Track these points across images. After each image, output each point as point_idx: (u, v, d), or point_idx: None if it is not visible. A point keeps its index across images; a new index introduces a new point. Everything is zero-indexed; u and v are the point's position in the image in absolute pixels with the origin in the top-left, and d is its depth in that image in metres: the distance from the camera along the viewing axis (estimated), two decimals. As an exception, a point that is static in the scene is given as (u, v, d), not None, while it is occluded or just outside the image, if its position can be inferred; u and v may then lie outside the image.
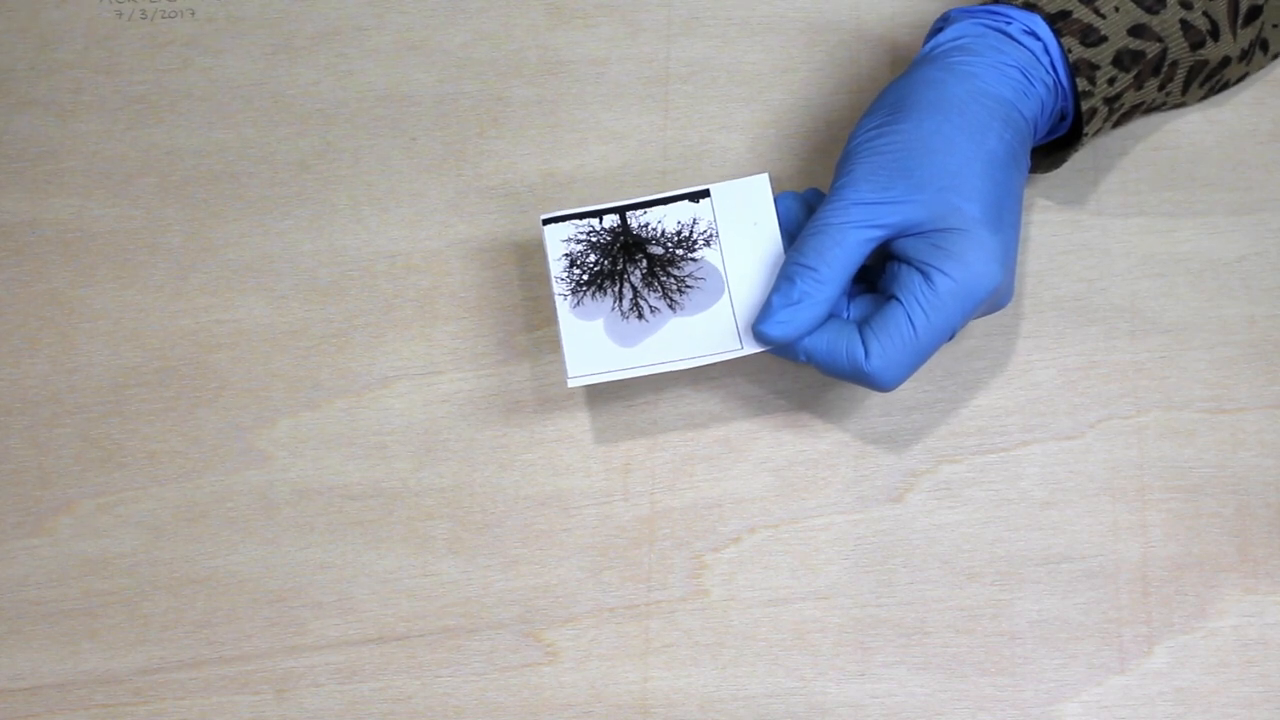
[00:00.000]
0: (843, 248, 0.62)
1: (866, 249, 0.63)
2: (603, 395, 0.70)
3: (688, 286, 0.65)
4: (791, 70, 0.74)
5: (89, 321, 0.72)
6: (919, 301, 0.62)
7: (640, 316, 0.65)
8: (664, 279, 0.65)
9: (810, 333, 0.63)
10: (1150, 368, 0.70)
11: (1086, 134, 0.66)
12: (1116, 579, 0.68)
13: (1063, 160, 0.68)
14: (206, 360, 0.72)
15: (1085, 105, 0.65)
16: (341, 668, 0.68)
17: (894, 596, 0.68)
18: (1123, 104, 0.66)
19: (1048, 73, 0.64)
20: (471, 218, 0.73)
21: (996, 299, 0.63)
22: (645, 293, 0.65)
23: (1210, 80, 0.69)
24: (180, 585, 0.69)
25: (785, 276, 0.63)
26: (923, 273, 0.62)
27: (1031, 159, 0.69)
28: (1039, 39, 0.64)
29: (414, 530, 0.69)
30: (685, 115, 0.74)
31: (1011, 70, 0.64)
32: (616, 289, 0.66)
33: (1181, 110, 0.72)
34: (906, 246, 0.62)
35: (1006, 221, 0.62)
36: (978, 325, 0.71)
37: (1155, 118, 0.72)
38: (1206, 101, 0.72)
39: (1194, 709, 0.67)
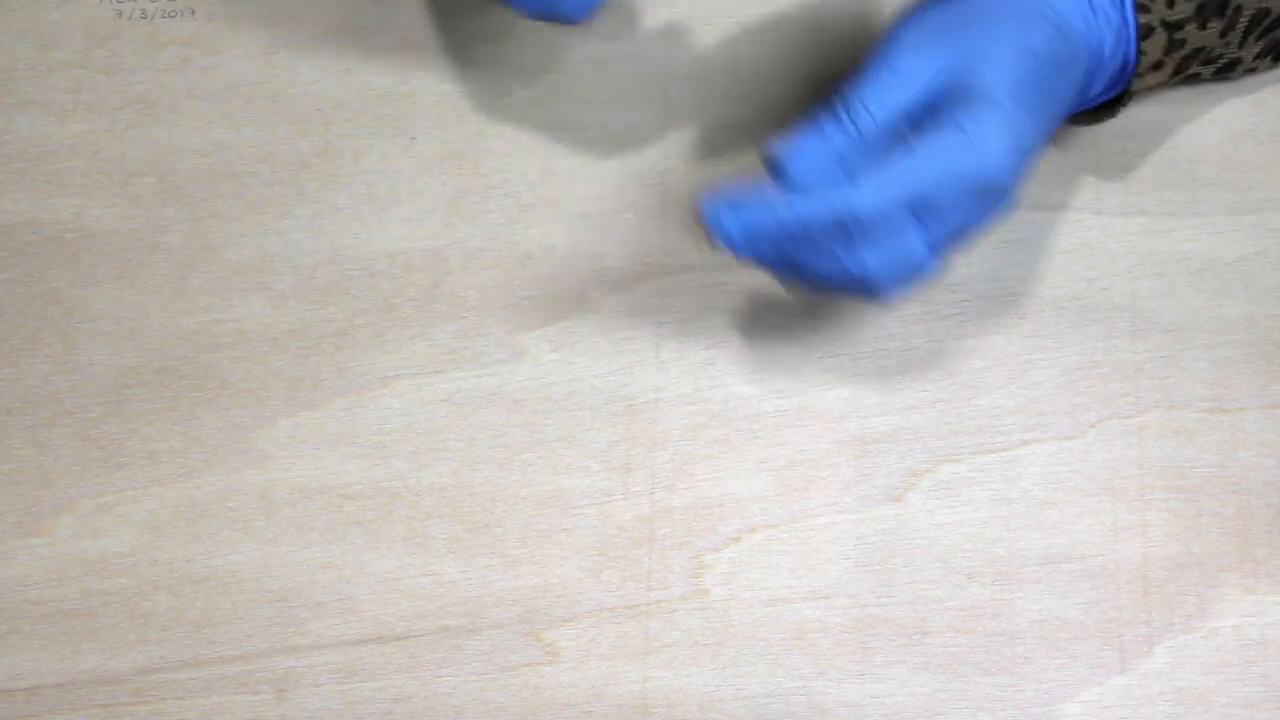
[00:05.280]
0: (888, 92, 0.61)
1: (896, 106, 0.61)
2: (603, 395, 0.70)
3: None
4: (793, 69, 0.74)
5: (89, 321, 0.72)
6: (922, 139, 0.60)
7: None
8: None
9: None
10: (1150, 368, 0.70)
11: (1145, 53, 0.65)
12: (1117, 579, 0.68)
13: (1123, 103, 0.67)
14: (206, 360, 0.72)
15: (1142, 19, 0.64)
16: (341, 668, 0.68)
17: (894, 596, 0.68)
18: (1184, 39, 0.65)
19: (1113, 4, 0.64)
20: (471, 218, 0.73)
21: (999, 183, 0.60)
22: None
23: (1267, 35, 0.68)
24: (180, 585, 0.69)
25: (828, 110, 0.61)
26: (933, 119, 0.60)
27: (1090, 115, 0.68)
28: None
29: (414, 530, 0.69)
30: (686, 115, 0.74)
31: None
32: None
33: (1182, 110, 0.72)
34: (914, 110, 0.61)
35: (1032, 104, 0.61)
36: (977, 324, 0.70)
37: (1158, 117, 0.72)
38: (1207, 101, 0.72)
39: (1194, 709, 0.67)
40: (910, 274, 0.61)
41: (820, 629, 0.68)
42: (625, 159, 0.73)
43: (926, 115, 0.61)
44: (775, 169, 0.61)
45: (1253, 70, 0.71)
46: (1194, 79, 0.70)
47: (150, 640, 0.69)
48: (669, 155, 0.73)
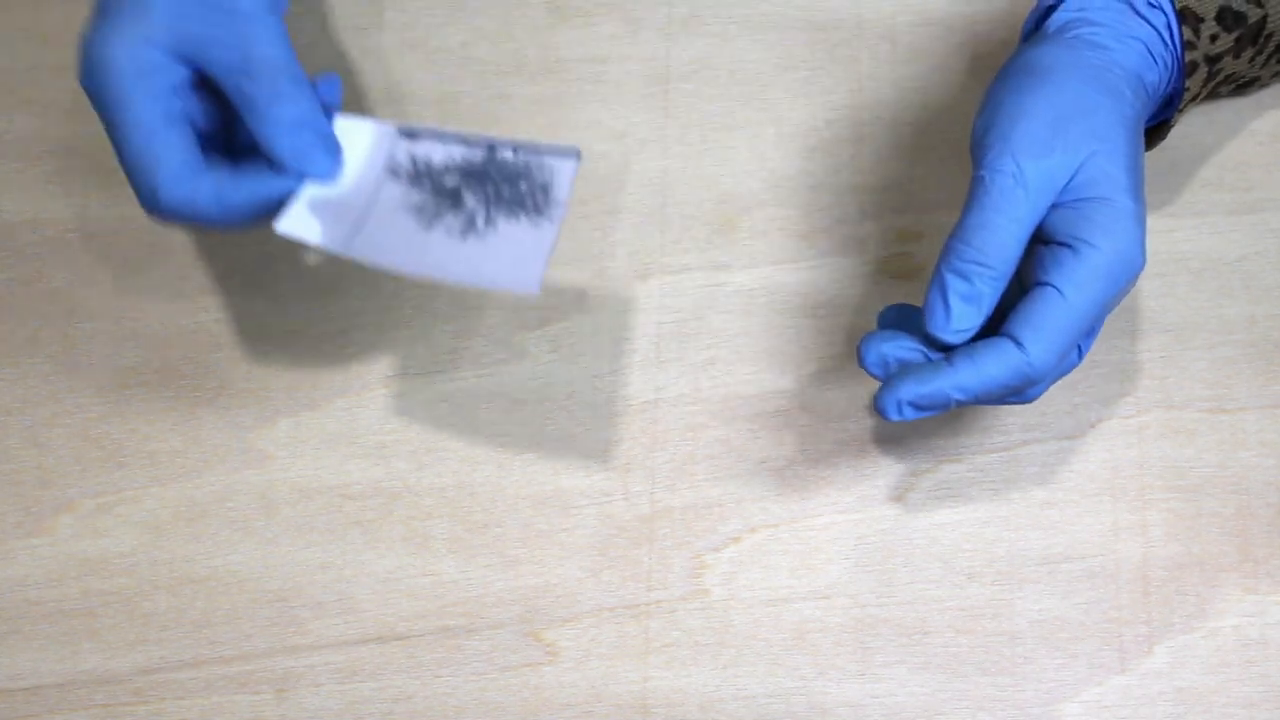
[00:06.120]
0: (1015, 230, 0.58)
1: (1032, 228, 0.59)
2: (603, 394, 0.70)
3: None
4: (792, 68, 0.74)
5: (89, 321, 0.72)
6: (1070, 277, 0.58)
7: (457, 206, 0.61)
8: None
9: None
10: (1150, 368, 0.70)
11: (1189, 88, 0.65)
12: (1117, 579, 0.68)
13: (1163, 135, 0.67)
14: (206, 360, 0.72)
15: (1188, 57, 0.64)
16: (341, 668, 0.68)
17: (894, 596, 0.68)
18: (1221, 70, 0.65)
19: (1166, 48, 0.64)
20: (471, 217, 0.73)
21: (1134, 280, 0.60)
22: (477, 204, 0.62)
23: None
24: (180, 585, 0.69)
25: (959, 274, 0.59)
26: (1070, 247, 0.58)
27: None
28: (1163, 12, 0.63)
29: (414, 530, 0.69)
30: (685, 114, 0.74)
31: (1136, 43, 0.62)
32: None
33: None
34: (1047, 225, 0.59)
35: (1140, 181, 0.60)
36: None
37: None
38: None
39: (1194, 709, 0.66)
40: (1067, 349, 0.60)
41: (820, 629, 0.68)
42: (625, 159, 0.73)
43: (1056, 229, 0.59)
44: (937, 344, 0.60)
45: (1266, 86, 0.71)
46: (1213, 97, 0.70)
47: (150, 640, 0.69)
48: (669, 155, 0.73)
